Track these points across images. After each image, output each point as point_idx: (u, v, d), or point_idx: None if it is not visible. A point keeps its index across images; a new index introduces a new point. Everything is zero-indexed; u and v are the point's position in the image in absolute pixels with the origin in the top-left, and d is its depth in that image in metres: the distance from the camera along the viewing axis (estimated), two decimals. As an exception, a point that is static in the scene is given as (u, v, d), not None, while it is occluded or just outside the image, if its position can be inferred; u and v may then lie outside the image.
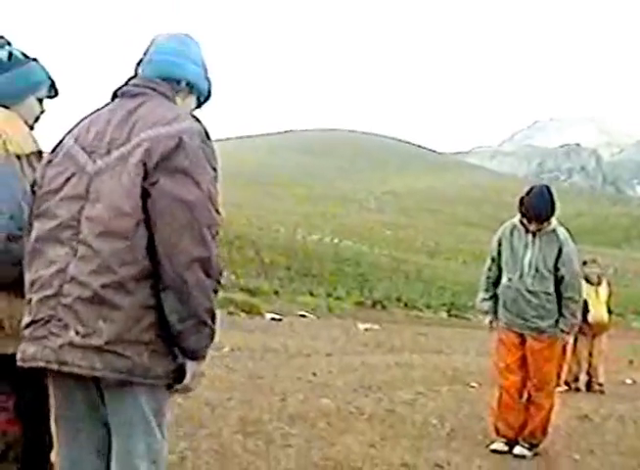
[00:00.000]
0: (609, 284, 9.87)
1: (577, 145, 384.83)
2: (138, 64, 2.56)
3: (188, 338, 2.20)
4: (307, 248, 73.02)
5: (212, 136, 2.34)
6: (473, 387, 8.68)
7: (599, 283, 9.63)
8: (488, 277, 5.71)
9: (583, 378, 9.67)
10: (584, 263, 9.67)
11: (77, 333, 2.15)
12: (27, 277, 2.35)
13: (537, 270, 5.36)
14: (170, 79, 2.48)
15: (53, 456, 3.28)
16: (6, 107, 3.01)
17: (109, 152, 2.26)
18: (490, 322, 5.70)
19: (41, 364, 2.22)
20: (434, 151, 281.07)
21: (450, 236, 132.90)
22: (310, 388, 7.45)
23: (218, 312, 2.34)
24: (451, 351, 16.11)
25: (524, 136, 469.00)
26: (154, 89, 2.41)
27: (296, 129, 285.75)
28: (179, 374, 2.27)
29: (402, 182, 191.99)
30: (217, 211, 2.26)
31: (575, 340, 9.32)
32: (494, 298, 5.66)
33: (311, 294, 37.31)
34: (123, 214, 2.17)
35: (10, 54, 3.04)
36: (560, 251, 5.37)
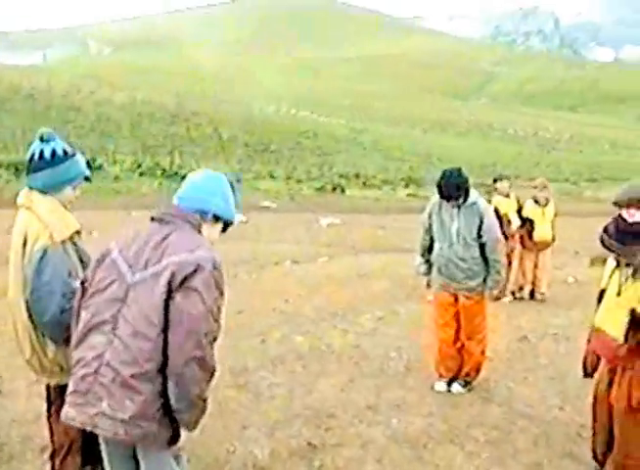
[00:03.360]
0: (555, 207, 10.93)
1: (535, 7, 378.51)
2: (179, 197, 3.24)
3: (182, 413, 3.04)
4: (265, 121, 72.98)
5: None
6: (430, 301, 9.61)
7: (546, 205, 10.70)
8: (423, 245, 6.57)
9: (527, 289, 10.86)
10: (534, 188, 10.85)
11: (109, 406, 2.98)
12: (74, 355, 3.15)
13: (464, 239, 6.22)
14: (200, 211, 3.20)
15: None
16: (45, 192, 3.79)
17: (145, 267, 3.01)
18: (427, 283, 6.70)
19: (78, 425, 3.09)
20: (389, 15, 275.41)
21: (407, 103, 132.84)
22: (284, 321, 8.48)
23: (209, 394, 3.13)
24: (409, 246, 17.10)
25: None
26: (183, 219, 3.13)
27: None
28: (177, 437, 3.17)
29: (357, 48, 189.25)
30: (217, 321, 3.02)
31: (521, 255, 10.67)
32: (429, 262, 6.57)
33: (272, 176, 38.10)
34: (151, 323, 2.94)
35: (53, 152, 3.76)
36: (481, 221, 6.20)
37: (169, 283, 2.93)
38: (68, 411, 3.10)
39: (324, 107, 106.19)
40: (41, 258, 3.59)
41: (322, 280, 11.26)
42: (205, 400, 3.07)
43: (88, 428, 3.04)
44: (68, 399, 3.12)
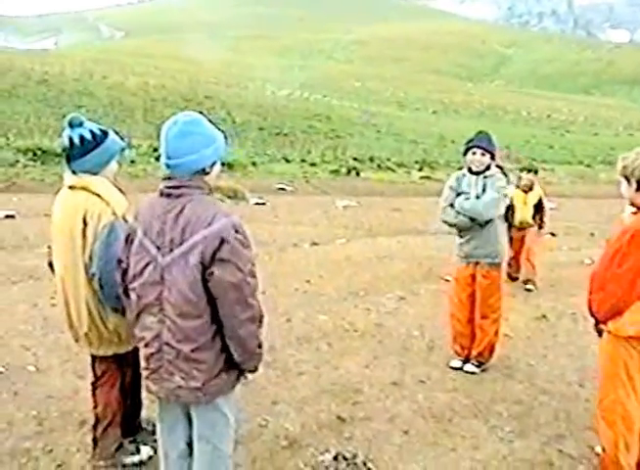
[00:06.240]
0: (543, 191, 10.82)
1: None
2: (167, 165, 3.18)
3: (245, 364, 3.28)
4: (277, 105, 72.91)
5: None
6: (447, 281, 9.73)
7: (529, 190, 10.62)
8: (449, 200, 6.39)
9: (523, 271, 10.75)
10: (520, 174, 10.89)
11: (182, 378, 3.22)
12: (135, 333, 3.36)
13: None
14: (197, 171, 3.17)
15: (142, 415, 4.57)
16: (94, 173, 3.95)
17: (171, 250, 3.11)
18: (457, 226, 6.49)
19: (162, 396, 3.34)
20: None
21: (420, 85, 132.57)
22: (307, 301, 8.63)
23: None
24: (424, 227, 17.23)
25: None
26: (190, 187, 3.14)
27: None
28: (242, 375, 3.39)
29: (368, 30, 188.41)
30: (254, 276, 3.14)
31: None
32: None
33: (286, 160, 38.16)
34: (192, 302, 3.10)
35: (92, 134, 3.91)
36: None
37: (201, 262, 3.05)
38: (148, 385, 3.37)
39: (336, 90, 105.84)
40: (109, 232, 3.77)
41: (342, 261, 11.40)
42: (260, 346, 3.27)
43: (172, 399, 3.30)
44: (144, 373, 3.36)
